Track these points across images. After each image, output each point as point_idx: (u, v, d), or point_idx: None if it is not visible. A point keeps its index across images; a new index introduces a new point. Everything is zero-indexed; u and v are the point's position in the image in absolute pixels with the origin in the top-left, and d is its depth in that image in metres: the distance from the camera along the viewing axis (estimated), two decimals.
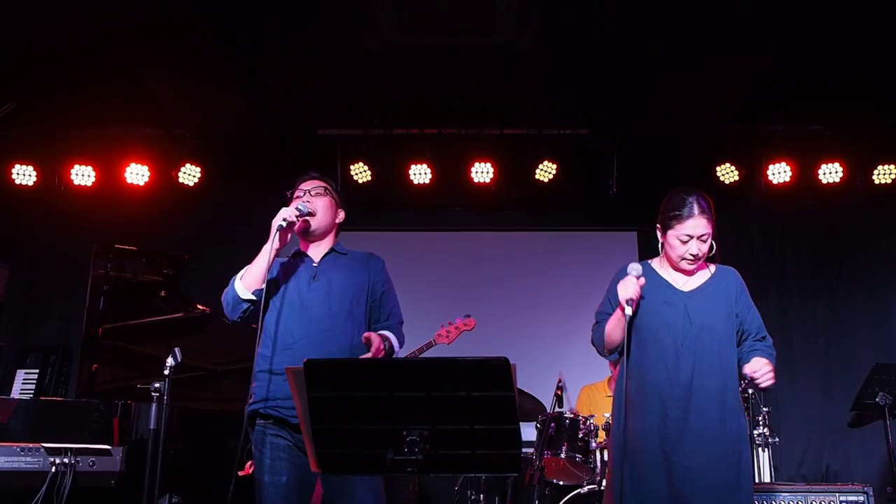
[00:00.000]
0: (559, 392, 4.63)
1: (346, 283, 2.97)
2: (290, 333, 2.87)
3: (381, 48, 5.09)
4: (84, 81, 5.41)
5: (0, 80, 5.44)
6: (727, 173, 6.12)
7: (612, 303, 2.88)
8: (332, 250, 3.07)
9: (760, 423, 4.84)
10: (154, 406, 3.63)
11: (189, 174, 6.18)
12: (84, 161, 6.14)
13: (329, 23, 4.85)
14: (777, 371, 6.52)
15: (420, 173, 6.12)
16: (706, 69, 5.02)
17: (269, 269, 2.82)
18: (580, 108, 5.97)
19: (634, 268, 2.75)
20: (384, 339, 2.92)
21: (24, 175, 6.11)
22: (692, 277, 2.89)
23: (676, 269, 2.88)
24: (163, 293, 4.92)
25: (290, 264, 3.03)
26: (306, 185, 3.08)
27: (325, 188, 3.06)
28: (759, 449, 4.76)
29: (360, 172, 6.09)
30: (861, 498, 4.10)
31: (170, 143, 6.20)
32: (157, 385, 3.63)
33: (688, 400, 2.68)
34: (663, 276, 2.90)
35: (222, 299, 2.96)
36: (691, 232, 2.77)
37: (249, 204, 6.74)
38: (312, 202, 3.00)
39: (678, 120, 5.71)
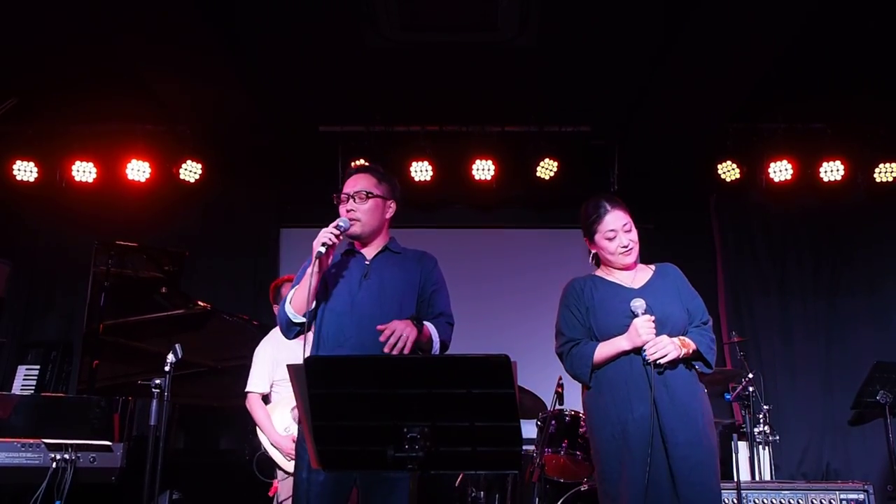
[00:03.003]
0: (560, 389, 4.63)
1: (397, 282, 2.92)
2: (341, 332, 2.83)
3: (382, 45, 5.08)
4: (85, 77, 5.40)
5: (1, 76, 5.44)
6: (728, 171, 6.11)
7: (576, 327, 2.91)
8: (385, 248, 3.01)
9: (761, 420, 4.84)
10: (154, 402, 3.64)
11: (190, 171, 6.17)
12: (85, 157, 6.14)
13: (331, 20, 4.84)
14: (777, 369, 6.53)
15: (421, 170, 6.11)
16: (707, 66, 5.01)
17: (316, 291, 2.79)
18: (581, 105, 5.96)
19: (640, 305, 2.78)
20: (419, 323, 2.80)
21: (25, 171, 6.10)
22: (637, 276, 2.98)
23: (619, 268, 2.98)
24: (163, 290, 4.92)
25: (342, 262, 2.96)
26: (349, 187, 2.96)
27: (368, 193, 2.93)
28: (760, 447, 4.77)
29: None
30: (861, 496, 4.10)
31: (171, 139, 6.20)
32: (157, 381, 3.64)
33: (665, 385, 2.76)
34: (612, 280, 2.98)
35: (277, 320, 2.97)
36: (613, 226, 2.91)
37: (251, 201, 6.76)
38: (356, 209, 2.91)
39: (679, 117, 5.70)
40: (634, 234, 2.95)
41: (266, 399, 4.21)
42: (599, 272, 3.05)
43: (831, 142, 6.06)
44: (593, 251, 3.03)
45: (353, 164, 6.07)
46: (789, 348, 6.39)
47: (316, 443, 2.12)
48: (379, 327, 2.72)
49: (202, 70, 5.19)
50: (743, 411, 4.85)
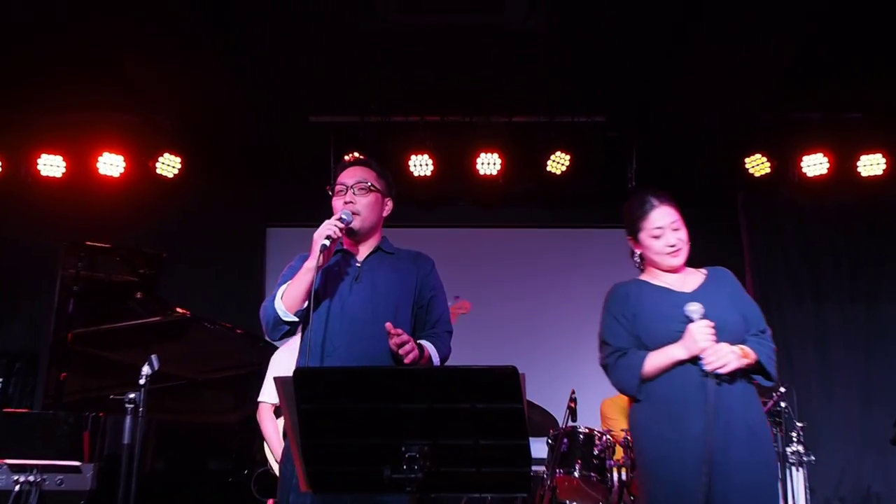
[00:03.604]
0: (572, 405, 4.61)
1: (391, 285, 2.90)
2: (331, 340, 2.81)
3: (378, 28, 5.08)
4: (53, 61, 5.40)
5: None
6: (757, 165, 6.12)
7: (622, 335, 2.89)
8: (377, 248, 2.99)
9: (795, 439, 4.82)
10: (128, 419, 3.62)
11: (168, 165, 6.18)
12: (53, 150, 6.15)
13: (322, 1, 4.84)
14: (812, 382, 6.47)
15: (421, 164, 6.12)
16: (732, 49, 5.01)
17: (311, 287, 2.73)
18: (595, 93, 5.96)
19: (696, 309, 2.73)
20: (421, 348, 2.82)
21: None
22: (687, 280, 2.96)
23: (665, 270, 2.96)
24: (139, 295, 4.92)
25: (330, 263, 2.93)
26: (347, 179, 2.94)
27: (370, 185, 2.93)
28: (794, 468, 4.74)
29: None
30: None
31: (147, 130, 6.21)
32: (131, 396, 3.62)
33: (718, 398, 2.71)
34: (659, 284, 2.96)
35: (261, 315, 2.89)
36: (660, 223, 2.91)
37: (234, 198, 6.76)
38: (356, 202, 2.90)
39: (703, 106, 5.70)
40: (683, 234, 2.92)
41: (278, 411, 4.22)
42: (645, 276, 3.03)
43: (870, 133, 6.07)
44: (638, 251, 3.02)
45: (346, 157, 6.06)
46: (825, 359, 6.38)
47: (305, 463, 2.11)
48: (388, 326, 2.70)
49: (183, 54, 5.20)
50: (774, 429, 4.83)
